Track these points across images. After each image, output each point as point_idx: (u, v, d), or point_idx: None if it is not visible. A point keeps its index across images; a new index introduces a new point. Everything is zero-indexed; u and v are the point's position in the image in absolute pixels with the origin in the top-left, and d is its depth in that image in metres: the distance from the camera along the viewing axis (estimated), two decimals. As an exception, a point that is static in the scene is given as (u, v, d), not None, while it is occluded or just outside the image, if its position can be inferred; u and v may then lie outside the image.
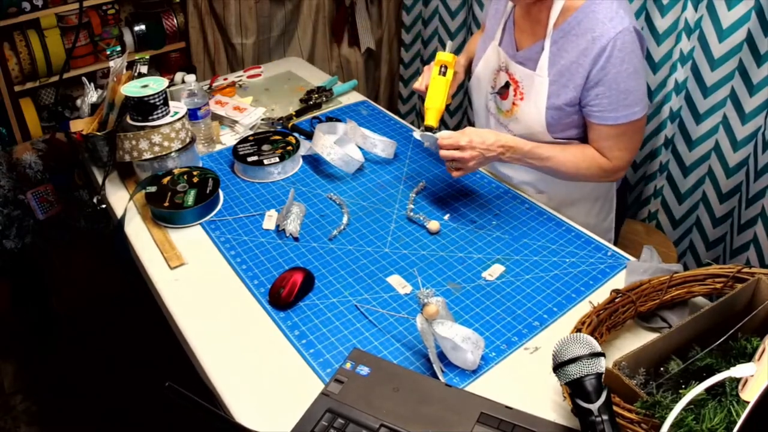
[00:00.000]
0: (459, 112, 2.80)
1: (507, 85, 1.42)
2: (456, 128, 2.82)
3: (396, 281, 1.26)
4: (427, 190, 1.53)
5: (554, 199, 1.50)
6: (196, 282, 1.28)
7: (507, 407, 0.96)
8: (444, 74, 1.45)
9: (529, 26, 1.38)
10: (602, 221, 1.56)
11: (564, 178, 1.42)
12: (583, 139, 1.41)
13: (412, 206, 1.46)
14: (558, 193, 1.49)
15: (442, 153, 1.34)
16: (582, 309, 1.17)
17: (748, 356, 0.92)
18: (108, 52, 2.30)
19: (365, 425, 0.94)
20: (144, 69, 1.73)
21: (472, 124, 2.74)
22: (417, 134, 1.41)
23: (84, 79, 1.76)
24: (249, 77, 2.11)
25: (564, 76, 1.32)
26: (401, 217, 1.44)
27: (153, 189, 1.45)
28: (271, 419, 0.99)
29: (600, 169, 1.36)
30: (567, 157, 1.35)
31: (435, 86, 1.45)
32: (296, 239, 1.37)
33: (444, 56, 1.46)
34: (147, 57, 1.78)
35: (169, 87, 1.57)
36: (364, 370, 1.03)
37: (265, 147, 1.62)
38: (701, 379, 0.79)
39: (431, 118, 1.42)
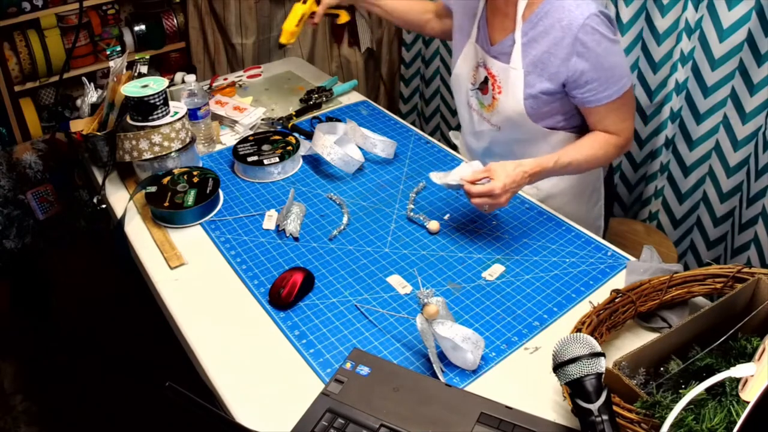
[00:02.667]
0: (436, 116, 2.82)
1: (486, 80, 1.46)
2: (429, 127, 2.83)
3: (396, 281, 1.26)
4: (427, 190, 1.53)
5: (543, 190, 1.51)
6: (196, 282, 1.28)
7: (507, 407, 0.96)
8: (305, 2, 1.73)
9: (499, 21, 1.41)
10: (592, 208, 1.59)
11: (587, 170, 1.44)
12: (570, 128, 1.45)
13: (412, 206, 1.46)
14: (546, 184, 1.50)
15: (476, 201, 1.27)
16: (582, 309, 1.17)
17: (748, 356, 0.92)
18: (108, 52, 2.31)
19: (365, 425, 0.94)
20: (144, 69, 1.73)
21: (446, 121, 2.76)
22: (436, 178, 1.35)
23: (84, 79, 1.76)
24: (249, 77, 2.10)
25: (538, 67, 1.35)
26: (401, 217, 1.44)
27: (153, 189, 1.45)
28: (271, 419, 0.99)
29: (614, 146, 1.39)
30: (583, 152, 1.37)
31: (294, 11, 1.73)
32: (296, 239, 1.37)
33: None
34: (147, 57, 1.78)
35: (169, 87, 1.57)
36: (364, 370, 1.03)
37: (265, 147, 1.62)
38: (701, 379, 0.79)
39: (284, 38, 1.73)
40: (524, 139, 1.46)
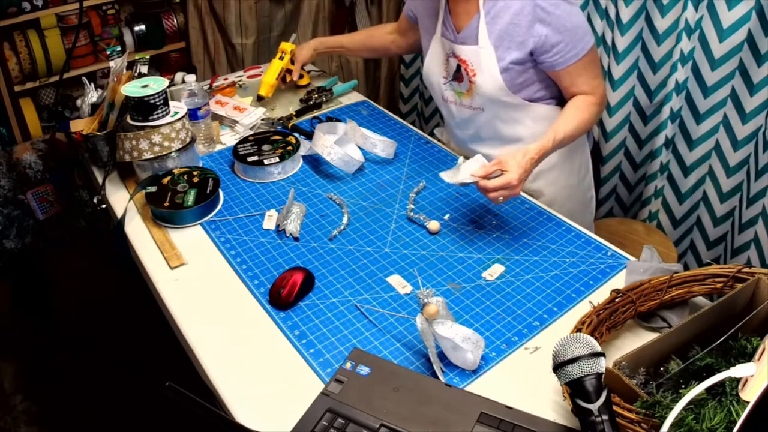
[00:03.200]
0: (436, 116, 2.82)
1: (459, 68, 1.49)
2: (429, 127, 2.84)
3: (396, 281, 1.26)
4: (427, 190, 1.53)
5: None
6: (196, 282, 1.28)
7: (507, 407, 0.96)
8: (282, 59, 1.89)
9: (462, 7, 1.45)
10: (582, 179, 1.62)
11: (580, 137, 1.47)
12: (548, 99, 1.50)
13: (412, 206, 1.46)
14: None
15: (492, 195, 1.28)
16: (582, 309, 1.17)
17: (748, 356, 0.92)
18: (108, 52, 2.31)
19: (365, 425, 0.94)
20: (144, 69, 1.73)
21: (422, 115, 2.77)
22: (447, 178, 1.35)
23: (84, 79, 1.76)
24: (249, 77, 2.10)
25: (504, 40, 1.40)
26: (401, 217, 1.44)
27: (153, 189, 1.45)
28: (271, 419, 0.99)
29: (594, 105, 1.44)
30: (572, 122, 1.40)
31: (272, 67, 1.90)
32: (296, 239, 1.37)
33: (285, 45, 1.91)
34: (147, 57, 1.78)
35: (169, 87, 1.57)
36: (364, 370, 1.03)
37: (265, 147, 1.62)
38: (701, 379, 0.79)
39: (263, 90, 1.86)
40: (508, 116, 1.51)
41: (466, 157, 1.41)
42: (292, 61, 1.96)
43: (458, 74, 1.51)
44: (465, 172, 1.32)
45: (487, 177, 1.28)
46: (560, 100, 1.51)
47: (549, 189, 1.56)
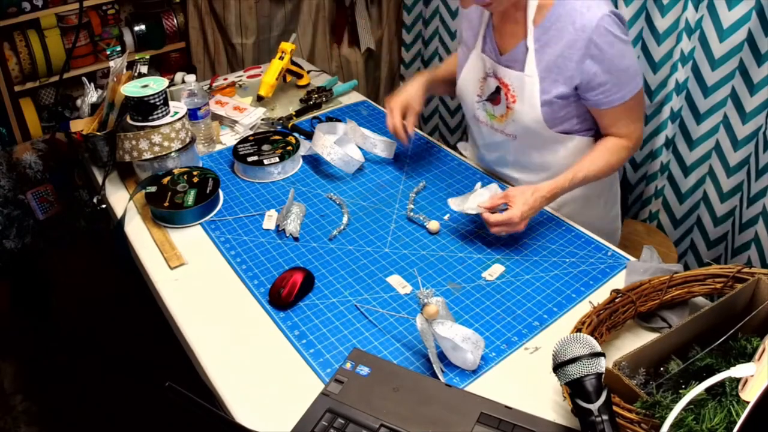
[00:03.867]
0: (435, 116, 2.82)
1: (498, 90, 1.42)
2: (428, 127, 2.83)
3: (396, 281, 1.26)
4: (427, 190, 1.53)
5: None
6: (196, 282, 1.28)
7: (507, 407, 0.96)
8: (282, 59, 1.89)
9: (509, 29, 1.38)
10: (609, 210, 1.58)
11: (603, 178, 1.42)
12: (584, 131, 1.42)
13: (412, 206, 1.46)
14: None
15: (495, 230, 1.29)
16: (582, 309, 1.17)
17: (748, 356, 0.92)
18: (108, 52, 2.31)
19: (365, 425, 0.94)
20: (144, 69, 1.73)
21: (445, 121, 2.75)
22: (455, 205, 1.36)
23: (84, 79, 1.76)
24: (249, 77, 2.10)
25: (552, 72, 1.33)
26: (401, 217, 1.44)
27: (153, 189, 1.45)
28: (271, 419, 0.99)
29: (626, 149, 1.39)
30: (597, 163, 1.36)
31: (272, 67, 1.89)
32: (296, 239, 1.37)
33: (285, 45, 1.91)
34: (147, 57, 1.78)
35: (169, 87, 1.57)
36: (364, 370, 1.03)
37: (265, 147, 1.62)
38: (701, 379, 0.79)
39: (263, 90, 1.86)
40: (541, 146, 1.44)
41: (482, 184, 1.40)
42: (293, 61, 1.96)
43: (496, 96, 1.43)
44: (473, 202, 1.33)
45: (492, 209, 1.28)
46: (597, 132, 1.44)
47: (573, 219, 1.44)
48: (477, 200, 1.33)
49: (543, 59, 1.33)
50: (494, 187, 1.37)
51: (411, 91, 1.55)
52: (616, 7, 1.84)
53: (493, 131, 1.49)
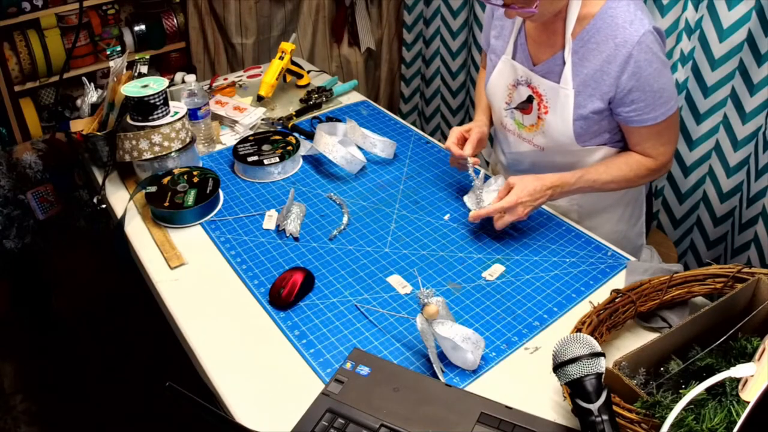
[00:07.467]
0: (436, 116, 2.82)
1: (530, 99, 1.38)
2: (429, 127, 2.84)
3: (396, 281, 1.26)
4: (427, 190, 1.53)
5: (584, 206, 1.46)
6: (196, 282, 1.28)
7: (507, 407, 0.96)
8: (282, 59, 1.90)
9: (545, 38, 1.33)
10: (633, 226, 1.53)
11: (615, 190, 1.39)
12: (614, 143, 1.38)
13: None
14: (587, 202, 1.45)
15: (499, 224, 1.30)
16: (582, 309, 1.17)
17: (748, 356, 0.92)
18: (108, 52, 2.31)
19: (365, 425, 0.94)
20: (144, 69, 1.73)
21: (446, 121, 2.74)
22: (470, 203, 1.38)
23: (84, 79, 1.76)
24: (249, 77, 2.10)
25: (589, 86, 1.29)
26: (401, 217, 1.44)
27: (153, 189, 1.45)
28: (271, 419, 0.99)
29: (648, 170, 1.34)
30: (613, 172, 1.33)
31: (272, 67, 1.89)
32: (296, 239, 1.37)
33: (285, 45, 1.91)
34: (147, 57, 1.78)
35: (169, 87, 1.57)
36: (364, 370, 1.03)
37: (265, 147, 1.62)
38: (701, 379, 0.80)
39: (263, 90, 1.86)
40: (568, 158, 1.40)
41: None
42: (293, 61, 1.96)
43: (527, 105, 1.39)
44: (487, 198, 1.34)
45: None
46: (626, 145, 1.38)
47: (595, 232, 1.40)
48: (491, 196, 1.34)
49: (580, 73, 1.29)
50: (501, 179, 1.36)
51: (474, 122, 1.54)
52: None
53: (520, 140, 1.45)
